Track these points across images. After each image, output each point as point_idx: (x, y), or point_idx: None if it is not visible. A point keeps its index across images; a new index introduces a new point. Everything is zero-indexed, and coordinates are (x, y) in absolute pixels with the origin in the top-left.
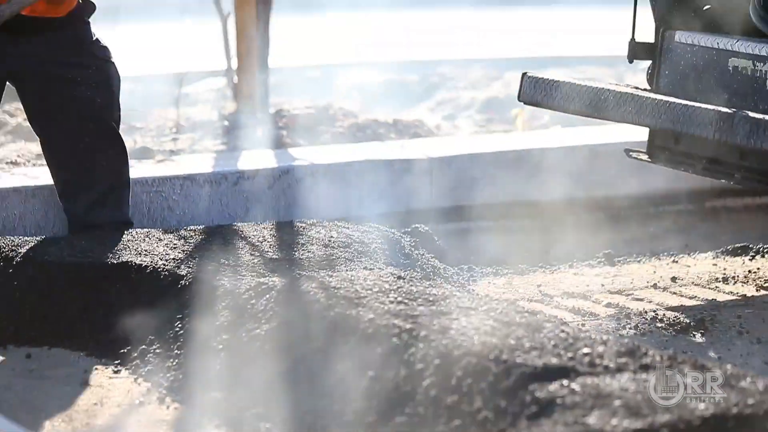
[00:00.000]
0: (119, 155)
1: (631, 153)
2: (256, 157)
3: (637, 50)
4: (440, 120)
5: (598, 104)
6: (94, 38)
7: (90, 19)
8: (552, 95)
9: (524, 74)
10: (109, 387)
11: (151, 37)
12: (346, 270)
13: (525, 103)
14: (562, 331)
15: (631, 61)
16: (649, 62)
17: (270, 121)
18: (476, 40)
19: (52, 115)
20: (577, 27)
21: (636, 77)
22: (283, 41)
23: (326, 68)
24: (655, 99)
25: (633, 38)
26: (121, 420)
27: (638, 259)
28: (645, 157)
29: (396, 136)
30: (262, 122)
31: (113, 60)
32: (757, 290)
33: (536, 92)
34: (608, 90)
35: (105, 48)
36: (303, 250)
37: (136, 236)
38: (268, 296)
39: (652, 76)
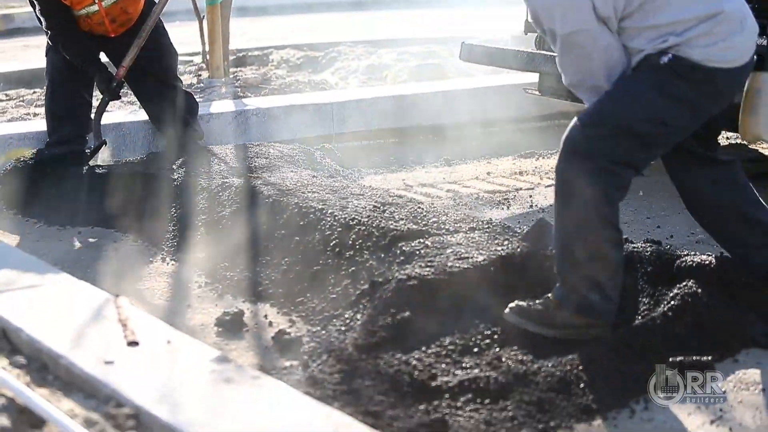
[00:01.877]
0: (176, 94)
1: (527, 90)
2: (222, 105)
3: (529, 26)
4: (338, 79)
5: (516, 60)
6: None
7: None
8: (485, 56)
9: (463, 42)
10: (131, 251)
11: None
12: (280, 173)
13: (464, 61)
14: (419, 207)
15: (526, 34)
16: (536, 34)
17: (230, 83)
18: (359, 29)
19: (137, 77)
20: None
21: None
22: (239, 33)
23: (265, 49)
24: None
25: (527, 18)
26: (137, 272)
27: (465, 161)
28: (537, 93)
29: (310, 90)
30: (225, 84)
31: (167, 34)
32: (541, 179)
33: (471, 54)
34: (524, 51)
35: (161, 27)
36: (251, 161)
37: (145, 158)
38: (230, 190)
39: (538, 43)
